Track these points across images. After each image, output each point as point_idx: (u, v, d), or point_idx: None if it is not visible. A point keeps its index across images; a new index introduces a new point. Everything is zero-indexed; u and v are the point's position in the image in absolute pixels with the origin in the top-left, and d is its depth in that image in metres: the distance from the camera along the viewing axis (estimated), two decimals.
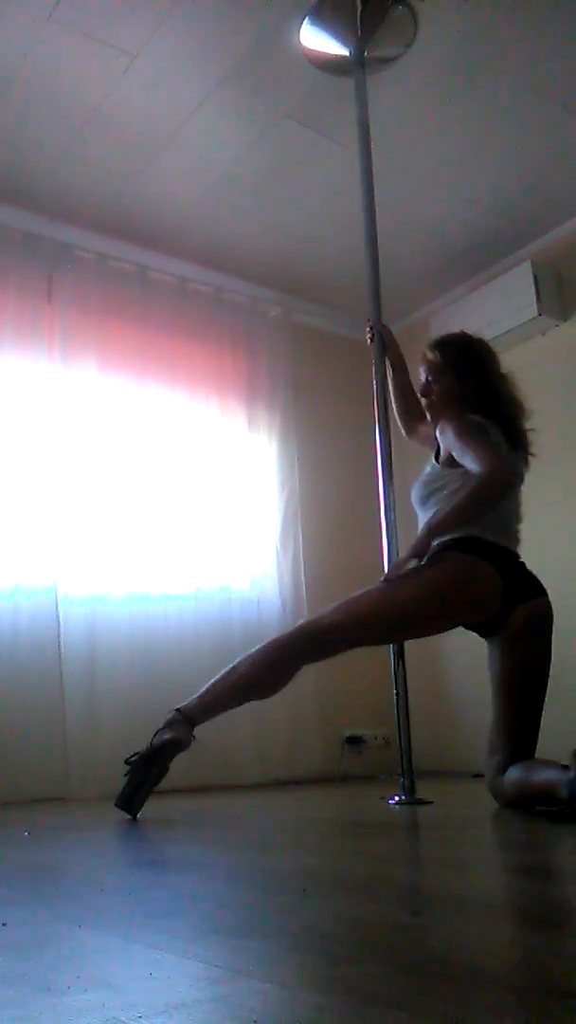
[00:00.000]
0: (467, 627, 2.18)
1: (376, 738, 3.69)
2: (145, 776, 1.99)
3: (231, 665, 2.10)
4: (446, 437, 2.18)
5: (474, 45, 2.64)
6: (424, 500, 2.26)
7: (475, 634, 2.21)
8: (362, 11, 2.54)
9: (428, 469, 2.31)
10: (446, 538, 2.09)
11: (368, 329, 2.66)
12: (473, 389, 2.25)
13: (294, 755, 3.43)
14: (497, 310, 3.56)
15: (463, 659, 3.45)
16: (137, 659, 3.12)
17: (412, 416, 2.58)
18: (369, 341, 2.66)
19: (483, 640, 2.21)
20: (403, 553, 2.09)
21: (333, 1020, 0.58)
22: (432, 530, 2.04)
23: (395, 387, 2.62)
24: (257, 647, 2.11)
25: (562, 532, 3.43)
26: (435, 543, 2.09)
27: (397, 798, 2.32)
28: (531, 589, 2.12)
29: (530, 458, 2.26)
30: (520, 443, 2.23)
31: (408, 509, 2.38)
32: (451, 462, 2.19)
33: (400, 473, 2.57)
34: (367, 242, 2.70)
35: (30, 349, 3.20)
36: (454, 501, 2.06)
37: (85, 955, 0.79)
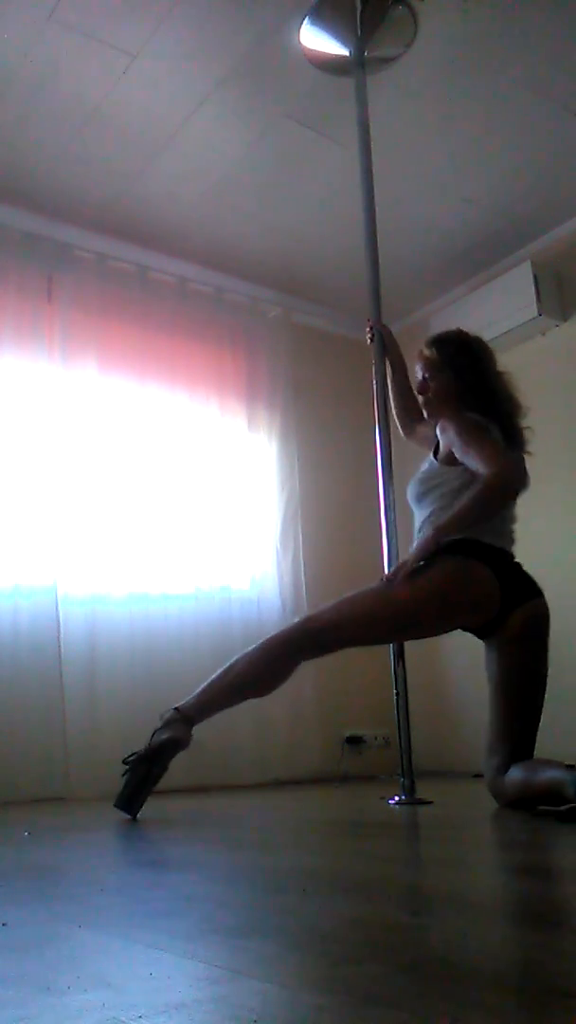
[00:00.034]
0: (464, 629, 2.18)
1: (376, 738, 3.69)
2: (145, 776, 1.99)
3: (228, 663, 2.10)
4: (447, 435, 2.18)
5: (474, 45, 2.64)
6: (421, 497, 2.26)
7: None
8: (362, 11, 2.54)
9: (426, 466, 2.30)
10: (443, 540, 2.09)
11: (368, 329, 2.66)
12: (470, 386, 2.25)
13: (294, 755, 3.43)
14: (497, 310, 3.56)
15: (463, 659, 3.45)
16: (137, 659, 3.12)
17: (411, 416, 2.58)
18: (369, 341, 2.66)
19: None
20: (411, 556, 2.08)
21: (333, 1020, 0.58)
22: (440, 532, 2.04)
23: (394, 387, 2.62)
24: (254, 645, 2.11)
25: (562, 532, 3.43)
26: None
27: (397, 798, 2.32)
28: (528, 591, 2.12)
29: (526, 456, 2.26)
30: (516, 441, 2.23)
31: (408, 509, 2.38)
32: (450, 460, 2.19)
33: (400, 473, 2.57)
34: (367, 242, 2.70)
35: (30, 349, 3.20)
36: (461, 503, 2.06)
37: (85, 955, 0.79)
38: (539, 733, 2.11)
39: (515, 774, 1.98)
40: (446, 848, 1.58)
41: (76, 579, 3.10)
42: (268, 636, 2.12)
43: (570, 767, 1.80)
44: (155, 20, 2.49)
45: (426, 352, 2.34)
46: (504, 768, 2.04)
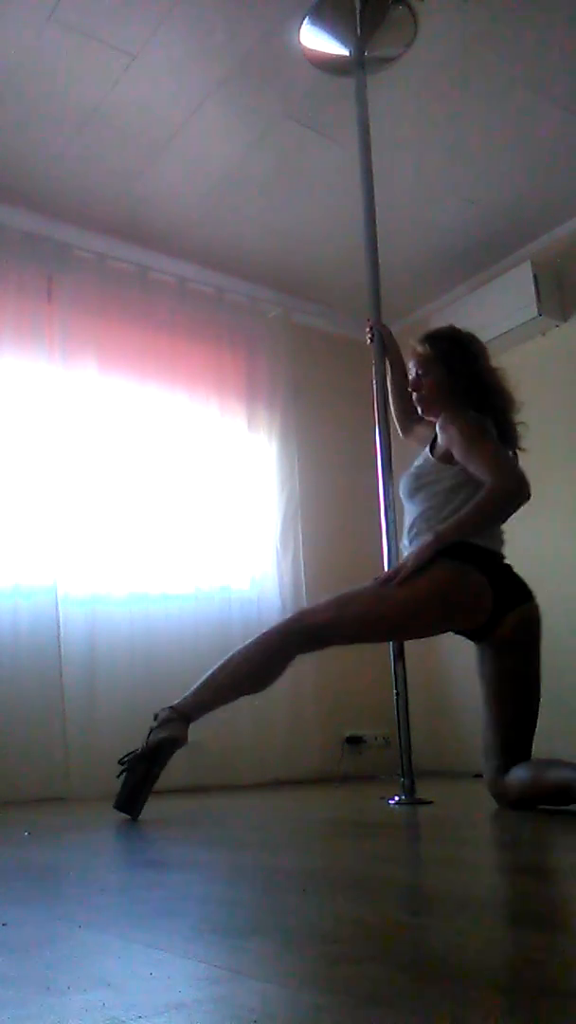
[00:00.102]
0: (456, 632, 2.18)
1: (376, 738, 3.69)
2: (144, 776, 1.98)
3: (223, 660, 2.09)
4: (447, 433, 2.17)
5: (474, 45, 2.64)
6: (413, 493, 2.25)
7: None
8: (362, 11, 2.54)
9: (420, 461, 2.29)
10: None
11: (368, 329, 2.66)
12: (463, 382, 2.25)
13: (294, 755, 3.43)
14: (497, 310, 3.56)
15: (463, 659, 3.44)
16: (137, 659, 3.12)
17: (410, 416, 2.58)
18: (369, 341, 2.66)
19: None
20: (409, 560, 2.07)
21: (333, 1020, 0.58)
22: (440, 539, 2.05)
23: (393, 387, 2.62)
24: (249, 640, 2.10)
25: (564, 532, 3.43)
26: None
27: (397, 798, 2.32)
28: (520, 595, 2.11)
29: (519, 452, 2.26)
30: (510, 436, 2.23)
31: None
32: (446, 457, 2.18)
33: (400, 473, 2.56)
34: (367, 242, 2.70)
35: (30, 349, 3.20)
36: (464, 510, 2.07)
37: (85, 955, 0.79)
38: (539, 733, 2.11)
39: (519, 774, 1.98)
40: (446, 848, 1.58)
41: (76, 579, 3.10)
42: (263, 632, 2.12)
43: None
44: (155, 20, 2.49)
45: (419, 348, 2.34)
46: (504, 769, 2.04)
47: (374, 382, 2.61)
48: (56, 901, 1.09)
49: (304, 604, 3.54)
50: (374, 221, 2.70)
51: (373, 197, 2.72)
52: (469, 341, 2.34)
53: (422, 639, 2.42)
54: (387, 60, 2.67)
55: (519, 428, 2.26)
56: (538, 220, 3.56)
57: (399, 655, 2.43)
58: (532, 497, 2.06)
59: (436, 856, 1.50)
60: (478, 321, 3.51)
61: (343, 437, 3.93)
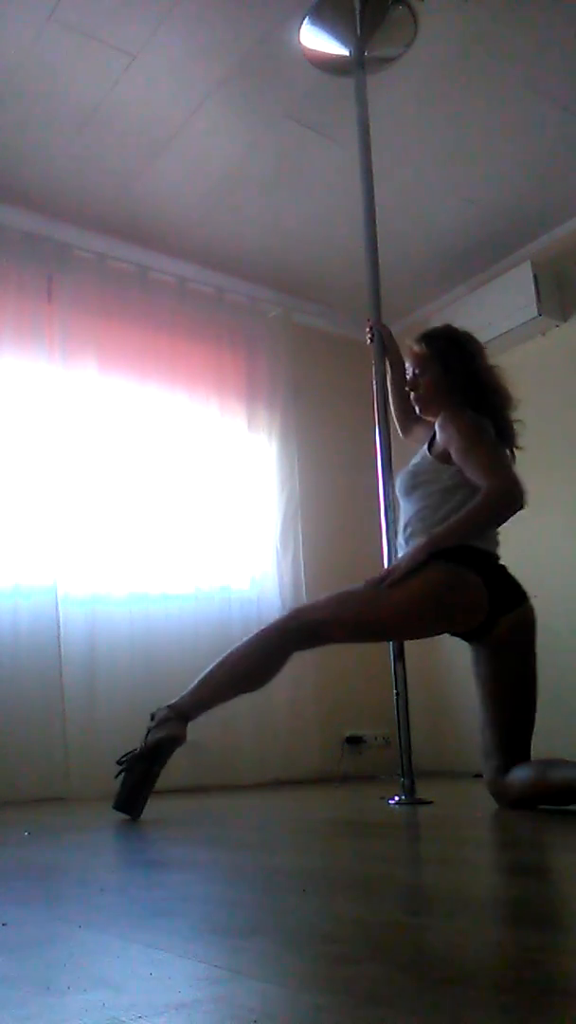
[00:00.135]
0: (451, 634, 2.18)
1: (376, 738, 3.69)
2: (144, 776, 1.98)
3: (220, 658, 2.09)
4: (446, 433, 2.16)
5: (474, 45, 2.64)
6: (410, 491, 2.25)
7: None
8: (362, 11, 2.54)
9: (417, 459, 2.29)
10: None
11: (368, 329, 2.66)
12: (460, 379, 2.25)
13: (294, 755, 3.43)
14: (497, 310, 3.56)
15: (463, 659, 3.44)
16: (137, 659, 3.12)
17: (410, 416, 2.58)
18: (369, 341, 2.66)
19: None
20: (402, 563, 2.07)
21: (333, 1020, 0.58)
22: (434, 543, 2.05)
23: (393, 387, 2.62)
24: (246, 639, 2.10)
25: (563, 532, 3.43)
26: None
27: (397, 798, 2.32)
28: (515, 597, 2.11)
29: (516, 451, 2.26)
30: (507, 435, 2.23)
31: None
32: (444, 456, 2.18)
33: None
34: (367, 242, 2.70)
35: (30, 349, 3.20)
36: (459, 515, 2.07)
37: (85, 955, 0.79)
38: (539, 733, 2.11)
39: (522, 773, 1.98)
40: (446, 848, 1.58)
41: (76, 579, 3.10)
42: (259, 630, 2.11)
43: None
44: (155, 20, 2.49)
45: (415, 348, 2.35)
46: (504, 769, 2.04)
47: (374, 382, 2.61)
48: (56, 901, 1.09)
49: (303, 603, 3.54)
50: (374, 221, 2.70)
51: (373, 197, 2.72)
52: (465, 339, 2.34)
53: (421, 639, 2.42)
54: (387, 60, 2.68)
55: (516, 426, 2.25)
56: (538, 220, 3.56)
57: (399, 655, 2.43)
58: (532, 497, 2.06)
59: (436, 856, 1.50)
60: (478, 321, 3.51)
61: (343, 437, 3.93)
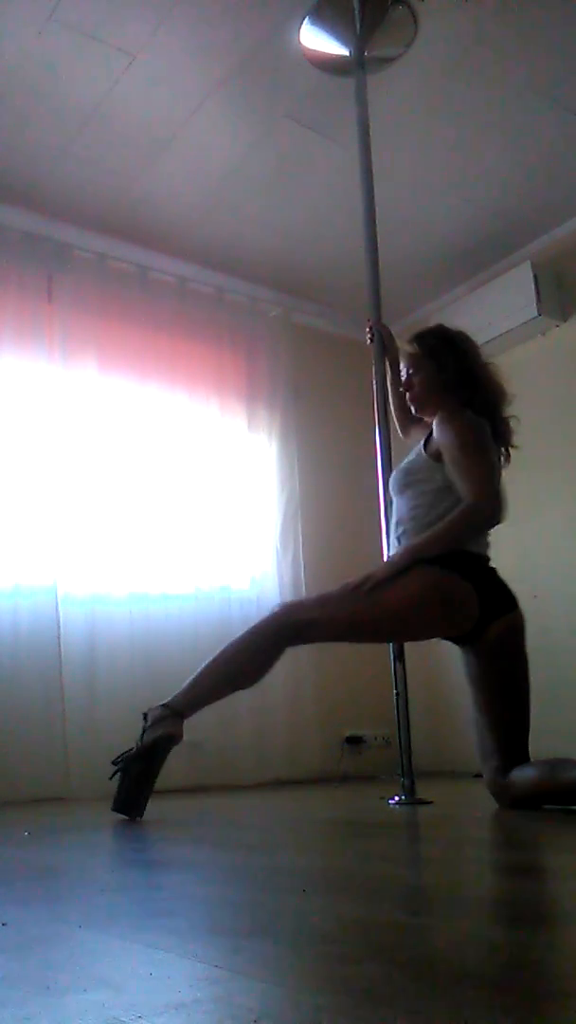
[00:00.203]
0: (442, 638, 2.18)
1: (376, 738, 3.69)
2: (142, 775, 1.98)
3: (213, 657, 2.08)
4: (444, 433, 2.14)
5: (474, 45, 2.64)
6: (403, 489, 2.24)
7: None
8: (362, 11, 2.54)
9: (412, 456, 2.28)
10: None
11: (368, 329, 2.66)
12: (454, 376, 2.24)
13: (294, 755, 3.43)
14: (497, 310, 3.56)
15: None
16: (137, 659, 3.12)
17: (409, 416, 2.58)
18: (369, 341, 2.66)
19: None
20: (381, 569, 2.07)
21: (333, 1020, 0.58)
22: (412, 553, 2.06)
23: (393, 387, 2.62)
24: (237, 636, 2.09)
25: (562, 532, 3.43)
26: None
27: (397, 798, 2.32)
28: (505, 603, 2.11)
29: (511, 449, 2.26)
30: (501, 432, 2.22)
31: None
32: (439, 455, 2.17)
33: None
34: (367, 242, 2.70)
35: (30, 349, 3.20)
36: (440, 527, 2.07)
37: (85, 955, 0.79)
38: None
39: (527, 773, 1.98)
40: (446, 848, 1.58)
41: (76, 579, 3.10)
42: (251, 627, 2.10)
43: None
44: (155, 20, 2.49)
45: (408, 348, 2.35)
46: (503, 769, 2.04)
47: (374, 382, 2.61)
48: (56, 901, 1.09)
49: None
50: (374, 221, 2.70)
51: (373, 197, 2.72)
52: (459, 338, 2.33)
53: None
54: (387, 60, 2.68)
55: (512, 423, 2.25)
56: (538, 220, 3.56)
57: (399, 655, 2.43)
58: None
59: (436, 856, 1.50)
60: (478, 321, 3.51)
61: (343, 437, 3.93)
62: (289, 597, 3.58)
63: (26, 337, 3.20)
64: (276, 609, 2.13)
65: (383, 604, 2.05)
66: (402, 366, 2.37)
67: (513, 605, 2.12)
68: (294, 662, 3.44)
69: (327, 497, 3.91)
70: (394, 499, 2.30)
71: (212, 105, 2.85)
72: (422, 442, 2.27)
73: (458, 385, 2.23)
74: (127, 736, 2.08)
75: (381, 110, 2.81)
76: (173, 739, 1.99)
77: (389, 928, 0.88)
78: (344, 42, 2.60)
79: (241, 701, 3.08)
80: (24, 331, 3.20)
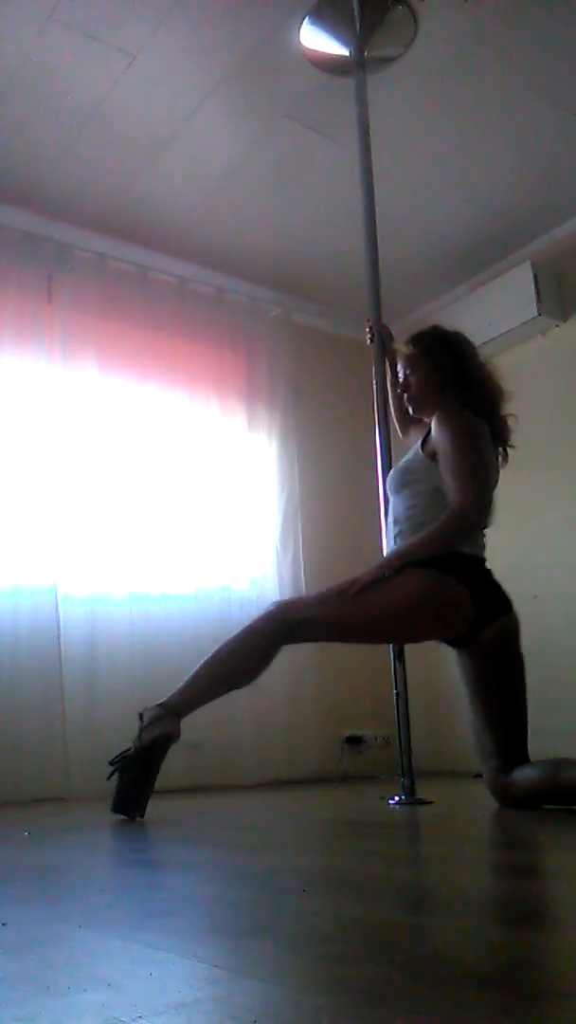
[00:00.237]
0: (436, 640, 2.19)
1: (376, 738, 3.69)
2: (141, 775, 1.98)
3: (208, 657, 2.07)
4: (440, 434, 2.14)
5: (474, 45, 2.64)
6: (400, 489, 2.24)
7: None
8: (362, 11, 2.54)
9: (410, 455, 2.28)
10: None
11: (368, 329, 2.66)
12: (451, 376, 2.23)
13: (294, 755, 3.43)
14: (497, 310, 3.56)
15: None
16: (137, 659, 3.12)
17: (408, 416, 2.58)
18: (369, 341, 2.66)
19: None
20: (367, 573, 2.07)
21: (333, 1020, 0.58)
22: (399, 558, 2.07)
23: (393, 387, 2.61)
24: (232, 636, 2.09)
25: (563, 532, 3.43)
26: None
27: (397, 798, 2.32)
28: (500, 606, 2.11)
29: (509, 449, 2.25)
30: (498, 431, 2.21)
31: None
32: (436, 455, 2.17)
33: None
34: (367, 242, 2.70)
35: (30, 349, 3.20)
36: (427, 532, 2.07)
37: (85, 955, 0.79)
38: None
39: (530, 772, 1.98)
40: (446, 848, 1.58)
41: (76, 579, 3.10)
42: (245, 626, 2.10)
43: None
44: (155, 20, 2.49)
45: (404, 350, 2.35)
46: (503, 769, 2.03)
47: (374, 382, 2.61)
48: (56, 901, 1.09)
49: None
50: (374, 221, 2.70)
51: (373, 197, 2.72)
52: (455, 338, 2.33)
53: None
54: (387, 60, 2.68)
55: (509, 420, 2.24)
56: (538, 220, 3.56)
57: (399, 655, 2.43)
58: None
59: (436, 856, 1.50)
60: (478, 321, 3.51)
61: (343, 437, 3.93)
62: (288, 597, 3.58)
63: (26, 337, 3.20)
64: (271, 607, 2.13)
65: (378, 606, 2.05)
66: (399, 367, 2.37)
67: (508, 608, 2.12)
68: (294, 662, 3.44)
69: (327, 497, 3.91)
70: (391, 498, 2.30)
71: (212, 105, 2.85)
72: (419, 442, 2.27)
73: (455, 385, 2.23)
74: (127, 736, 2.08)
75: (381, 110, 2.81)
76: (171, 738, 1.99)
77: (389, 928, 0.88)
78: (344, 42, 2.60)
79: (241, 701, 3.09)
80: (24, 331, 3.20)
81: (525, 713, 2.09)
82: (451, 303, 3.96)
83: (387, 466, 2.53)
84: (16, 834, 1.92)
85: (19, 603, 2.97)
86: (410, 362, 2.31)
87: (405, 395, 2.35)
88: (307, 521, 3.77)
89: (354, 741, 3.69)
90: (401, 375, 2.35)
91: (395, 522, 2.25)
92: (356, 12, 2.54)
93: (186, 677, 2.07)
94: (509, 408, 2.25)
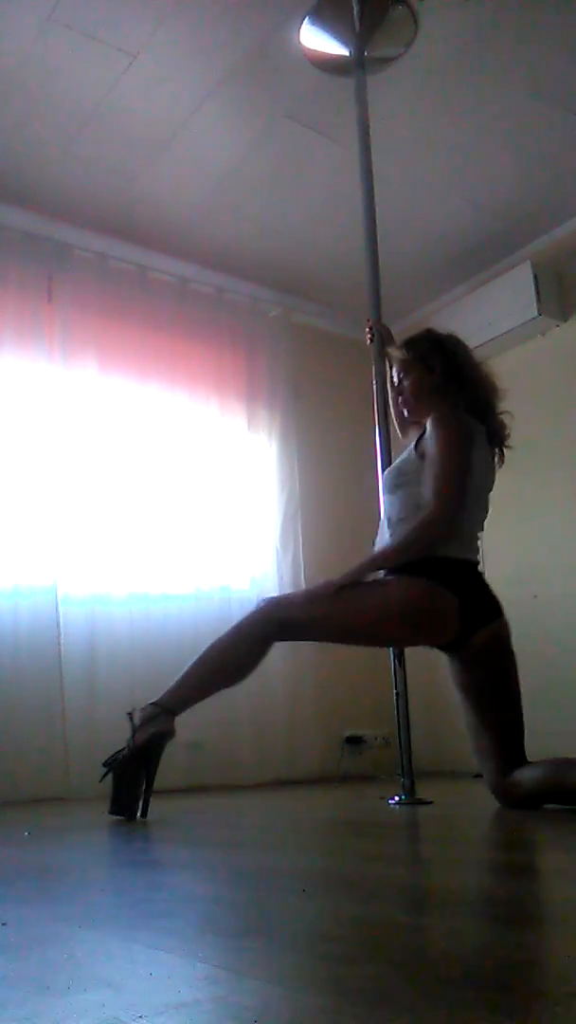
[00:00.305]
0: (422, 646, 2.19)
1: (376, 738, 3.69)
2: (140, 776, 1.98)
3: (202, 653, 2.07)
4: (432, 435, 2.12)
5: (474, 45, 2.64)
6: (394, 489, 2.23)
7: None
8: (362, 11, 2.54)
9: (405, 455, 2.27)
10: None
11: (368, 329, 2.66)
12: (443, 378, 2.22)
13: (294, 755, 3.43)
14: (497, 310, 3.56)
15: None
16: (137, 659, 3.12)
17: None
18: (369, 341, 2.65)
19: None
20: (344, 575, 2.07)
21: (333, 1020, 0.58)
22: (371, 564, 2.08)
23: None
24: (223, 634, 2.08)
25: (563, 532, 3.43)
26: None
27: (397, 798, 2.32)
28: (490, 612, 2.10)
29: (508, 451, 2.24)
30: (495, 433, 2.21)
31: None
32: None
33: None
34: (367, 242, 2.70)
35: (30, 349, 3.20)
36: (400, 537, 2.09)
37: (85, 955, 0.79)
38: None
39: (532, 772, 1.98)
40: (446, 848, 1.58)
41: (76, 579, 3.10)
42: (235, 624, 2.09)
43: None
44: (155, 20, 2.49)
45: (397, 354, 2.34)
46: (504, 768, 2.03)
47: (374, 382, 2.61)
48: (56, 901, 1.09)
49: None
50: (374, 221, 2.70)
51: (373, 197, 2.72)
52: (447, 340, 2.32)
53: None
54: (387, 60, 2.68)
55: (506, 418, 2.23)
56: (538, 220, 3.56)
57: (399, 655, 2.43)
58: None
59: (436, 856, 1.50)
60: (478, 321, 3.52)
61: (343, 437, 3.93)
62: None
63: (26, 337, 3.20)
64: (261, 605, 2.12)
65: (365, 611, 2.05)
66: (393, 372, 2.37)
67: (498, 613, 2.11)
68: (294, 663, 3.44)
69: (327, 497, 3.91)
70: (385, 498, 2.29)
71: (212, 105, 2.85)
72: (414, 442, 2.26)
73: (448, 386, 2.22)
74: (127, 736, 2.08)
75: (381, 110, 2.81)
76: (166, 736, 1.99)
77: (388, 928, 0.88)
78: (344, 42, 2.60)
79: (241, 701, 3.10)
80: (24, 331, 3.20)
81: (520, 714, 2.09)
82: (451, 303, 3.96)
83: (387, 466, 2.53)
84: (16, 834, 1.92)
85: (19, 603, 2.97)
86: (403, 366, 2.31)
87: (399, 398, 2.34)
88: (307, 521, 3.77)
89: (354, 741, 3.69)
90: (395, 379, 2.35)
91: (388, 522, 2.24)
92: (356, 12, 2.54)
93: (177, 676, 2.06)
94: (506, 407, 2.25)
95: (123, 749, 2.00)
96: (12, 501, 3.04)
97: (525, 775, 1.99)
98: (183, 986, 0.67)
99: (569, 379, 3.49)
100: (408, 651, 2.45)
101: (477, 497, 2.14)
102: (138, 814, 1.99)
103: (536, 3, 2.49)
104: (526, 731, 2.09)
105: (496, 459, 2.23)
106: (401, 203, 3.38)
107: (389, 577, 2.10)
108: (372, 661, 3.05)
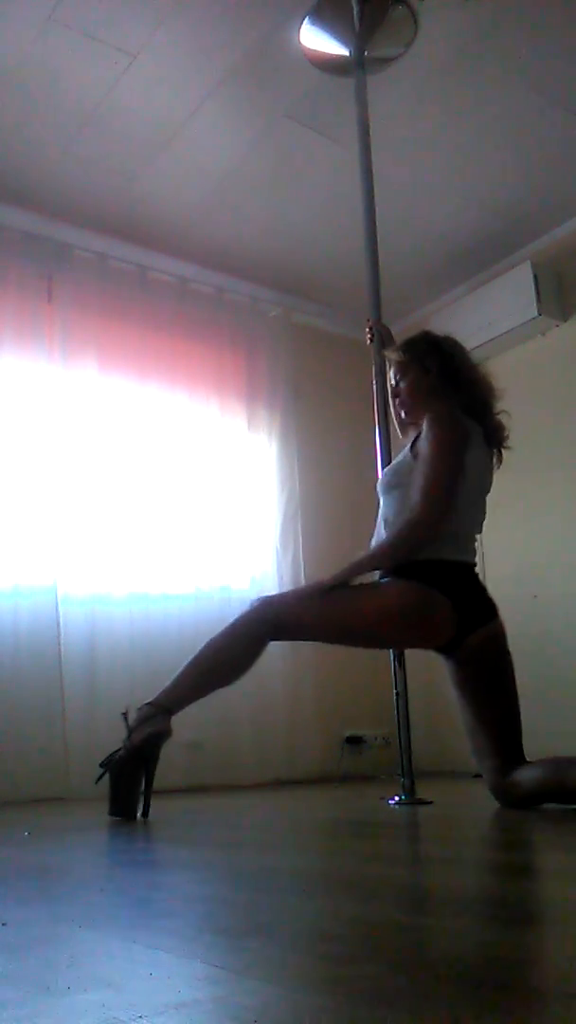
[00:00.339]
0: (416, 648, 2.19)
1: (376, 738, 3.69)
2: (138, 776, 1.98)
3: (195, 655, 2.07)
4: (427, 436, 2.12)
5: (474, 45, 2.64)
6: (390, 490, 2.23)
7: None
8: (362, 11, 2.54)
9: (401, 456, 2.27)
10: None
11: (368, 329, 2.66)
12: (440, 380, 2.22)
13: (294, 755, 3.43)
14: (497, 310, 3.56)
15: None
16: (137, 659, 3.12)
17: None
18: (369, 341, 2.66)
19: None
20: (332, 576, 2.07)
21: (333, 1020, 0.58)
22: (356, 568, 2.08)
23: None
24: (217, 633, 2.08)
25: (562, 532, 3.43)
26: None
27: (397, 798, 2.32)
28: (485, 614, 2.10)
29: (507, 451, 2.24)
30: (492, 433, 2.21)
31: None
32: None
33: None
34: (367, 242, 2.70)
35: (30, 349, 3.20)
36: (383, 541, 2.10)
37: (85, 955, 0.79)
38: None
39: (533, 772, 1.97)
40: (445, 848, 1.58)
41: (76, 579, 3.10)
42: (230, 623, 2.08)
43: None
44: (155, 20, 2.49)
45: (394, 356, 2.34)
46: (503, 768, 2.03)
47: (374, 382, 2.61)
48: (56, 901, 1.09)
49: None
50: (374, 221, 2.70)
51: (373, 197, 2.72)
52: (444, 342, 2.32)
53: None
54: (387, 60, 2.68)
55: (503, 418, 2.22)
56: (538, 220, 3.56)
57: (399, 655, 2.43)
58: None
59: (436, 856, 1.50)
60: (478, 321, 3.52)
61: (343, 437, 3.93)
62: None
63: (26, 337, 3.20)
64: (255, 604, 2.11)
65: (358, 613, 2.05)
66: (390, 374, 2.37)
67: (493, 615, 2.11)
68: (294, 662, 3.44)
69: (327, 497, 3.91)
70: (381, 499, 2.28)
71: (212, 105, 2.85)
72: (410, 443, 2.26)
73: (445, 387, 2.22)
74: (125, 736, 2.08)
75: (381, 110, 2.81)
76: (162, 735, 1.99)
77: (388, 928, 0.88)
78: (344, 42, 2.60)
79: (241, 701, 3.10)
80: (24, 331, 3.20)
81: (518, 713, 2.09)
82: (451, 303, 3.96)
83: (387, 466, 2.53)
84: (16, 834, 1.92)
85: (19, 603, 2.97)
86: (400, 368, 2.31)
87: (396, 400, 2.34)
88: (307, 521, 3.77)
89: (354, 741, 3.69)
90: (393, 381, 2.35)
91: (384, 523, 2.24)
92: (356, 12, 2.54)
93: (173, 676, 2.06)
94: (506, 406, 2.24)
95: (119, 750, 2.00)
96: (12, 501, 3.04)
97: (525, 775, 1.99)
98: (183, 986, 0.67)
99: (569, 379, 3.49)
100: (408, 651, 2.45)
101: (473, 499, 2.13)
102: (139, 814, 1.99)
103: (536, 3, 2.49)
104: (525, 731, 2.09)
105: (494, 460, 2.22)
106: (401, 203, 3.38)
107: (383, 579, 2.10)
108: (372, 661, 3.05)
